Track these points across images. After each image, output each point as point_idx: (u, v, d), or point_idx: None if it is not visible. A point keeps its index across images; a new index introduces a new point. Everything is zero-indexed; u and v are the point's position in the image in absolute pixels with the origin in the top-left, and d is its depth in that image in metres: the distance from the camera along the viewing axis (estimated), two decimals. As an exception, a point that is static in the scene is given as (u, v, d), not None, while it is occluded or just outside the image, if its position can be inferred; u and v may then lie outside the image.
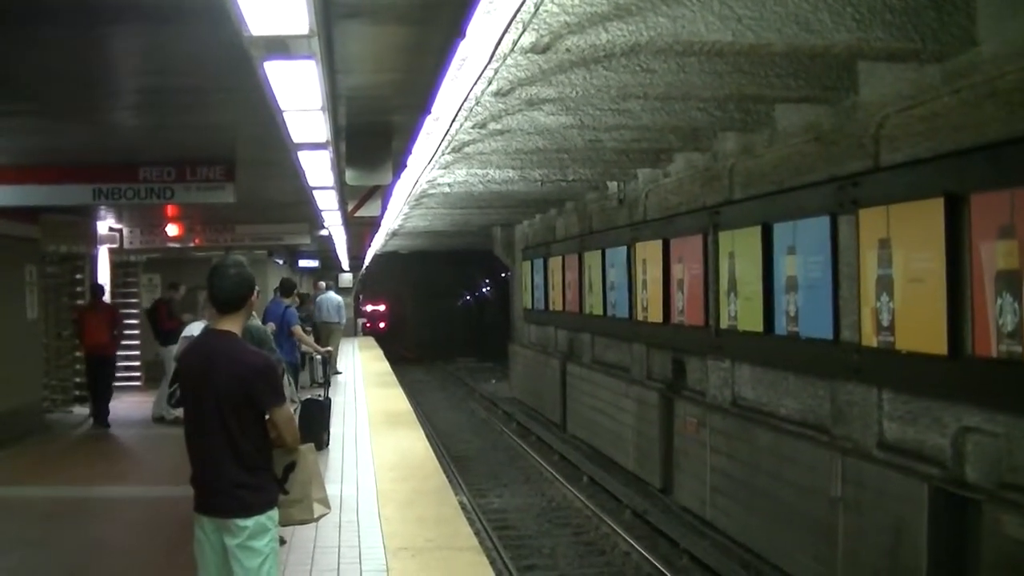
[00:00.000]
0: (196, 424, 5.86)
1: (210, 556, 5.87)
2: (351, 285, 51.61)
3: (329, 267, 45.82)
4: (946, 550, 9.75)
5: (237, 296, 5.91)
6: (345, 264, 44.04)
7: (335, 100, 8.27)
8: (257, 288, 6.21)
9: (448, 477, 14.42)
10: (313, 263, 42.16)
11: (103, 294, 19.87)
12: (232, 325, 5.91)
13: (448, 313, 74.75)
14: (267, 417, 5.83)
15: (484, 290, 72.98)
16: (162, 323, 19.26)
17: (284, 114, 8.10)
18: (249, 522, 5.74)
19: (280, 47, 5.73)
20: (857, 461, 11.25)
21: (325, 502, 6.33)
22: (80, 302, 20.56)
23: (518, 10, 6.64)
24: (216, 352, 5.83)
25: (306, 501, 6.16)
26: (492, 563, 10.28)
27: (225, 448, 5.72)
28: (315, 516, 6.28)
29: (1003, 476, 9.15)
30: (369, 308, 78.75)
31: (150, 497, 12.80)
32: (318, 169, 11.58)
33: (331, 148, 9.89)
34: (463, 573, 9.10)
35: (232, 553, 5.76)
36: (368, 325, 69.62)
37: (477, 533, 12.85)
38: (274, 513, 5.89)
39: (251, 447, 5.78)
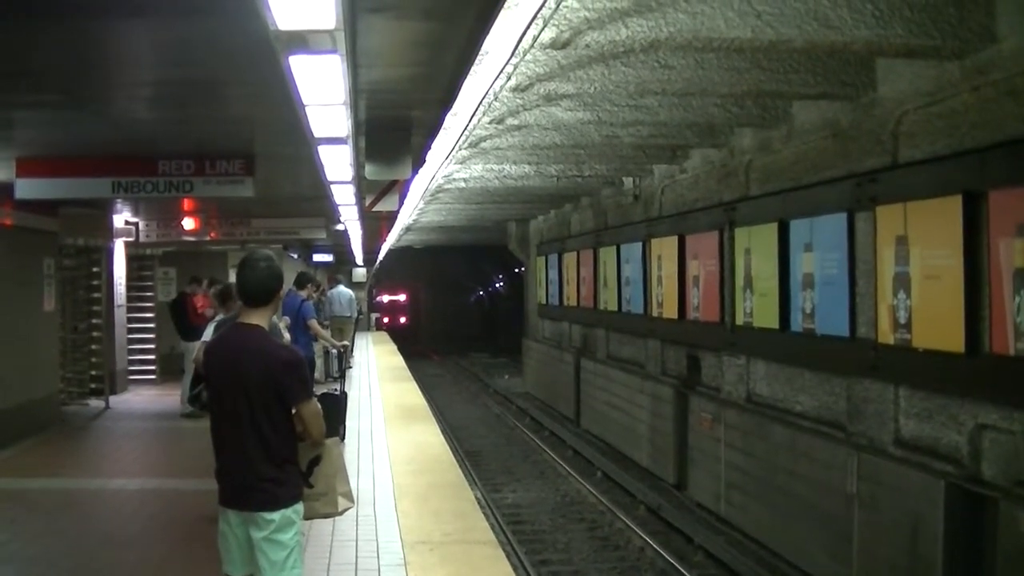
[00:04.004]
0: (224, 418, 5.90)
1: (235, 549, 5.91)
2: (364, 280, 51.55)
3: (343, 261, 45.87)
4: (962, 547, 9.75)
5: (266, 289, 5.94)
6: (359, 259, 44.08)
7: (356, 94, 8.29)
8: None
9: (462, 472, 14.45)
10: (328, 257, 42.22)
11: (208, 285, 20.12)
12: (260, 319, 5.94)
13: (464, 308, 73.36)
14: (293, 411, 5.87)
15: (497, 285, 71.88)
16: (190, 317, 19.25)
17: (306, 108, 8.13)
18: (276, 515, 5.78)
19: (306, 41, 5.75)
20: (873, 458, 11.25)
21: (349, 496, 6.36)
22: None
23: (541, 6, 6.66)
24: (245, 346, 5.86)
25: (331, 495, 6.19)
26: (506, 557, 10.32)
27: (254, 442, 5.76)
28: (339, 510, 6.31)
29: (1020, 473, 9.15)
30: (386, 299, 72.88)
31: (167, 489, 12.84)
32: (337, 164, 11.60)
33: (351, 143, 9.92)
34: (481, 567, 9.12)
35: (258, 546, 5.80)
36: (386, 321, 66.21)
37: (491, 528, 12.89)
38: (299, 507, 5.93)
39: (279, 441, 5.81)
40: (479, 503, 14.04)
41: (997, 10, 9.15)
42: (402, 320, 71.57)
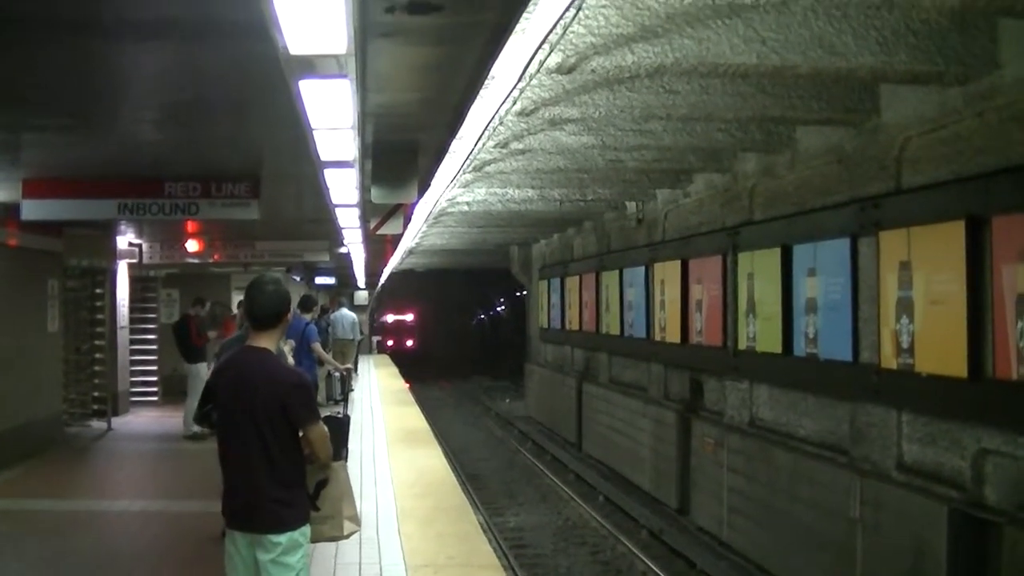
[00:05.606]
0: (231, 440, 5.92)
1: (241, 571, 5.91)
2: (366, 303, 51.52)
3: (345, 284, 45.93)
4: (965, 572, 9.73)
5: (274, 313, 5.98)
6: (361, 282, 44.12)
7: (364, 118, 8.33)
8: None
9: (464, 495, 14.45)
10: (330, 280, 42.28)
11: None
12: (267, 342, 5.97)
13: (468, 331, 71.57)
14: (301, 434, 5.89)
15: (500, 309, 70.98)
16: (193, 339, 19.27)
17: (314, 132, 8.16)
18: (283, 538, 5.80)
19: (317, 66, 5.79)
20: (876, 482, 11.25)
21: (356, 519, 6.37)
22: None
23: (549, 32, 6.71)
24: (252, 369, 5.90)
25: (337, 518, 6.21)
26: (510, 581, 10.35)
27: (261, 464, 5.78)
28: (345, 533, 6.33)
29: (1023, 498, 9.16)
30: (391, 319, 68.53)
31: (170, 511, 12.85)
32: (343, 187, 11.64)
33: (357, 166, 9.96)
34: (484, 591, 9.15)
35: (265, 568, 5.81)
36: (391, 343, 63.13)
37: (494, 551, 12.88)
38: (306, 529, 5.94)
39: (287, 463, 5.84)
40: (481, 527, 14.04)
41: (1000, 37, 9.19)
42: (408, 343, 67.78)
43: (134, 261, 22.70)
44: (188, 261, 23.68)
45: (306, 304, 17.70)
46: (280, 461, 5.80)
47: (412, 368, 47.23)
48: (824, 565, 12.30)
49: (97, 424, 20.27)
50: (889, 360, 11.00)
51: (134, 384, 24.05)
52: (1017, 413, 9.06)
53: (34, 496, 13.76)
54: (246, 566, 5.89)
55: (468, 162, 13.29)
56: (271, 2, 4.66)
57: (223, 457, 5.99)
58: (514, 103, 10.29)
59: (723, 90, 10.87)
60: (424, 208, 18.62)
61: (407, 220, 17.74)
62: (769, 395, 14.54)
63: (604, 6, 8.13)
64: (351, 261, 29.56)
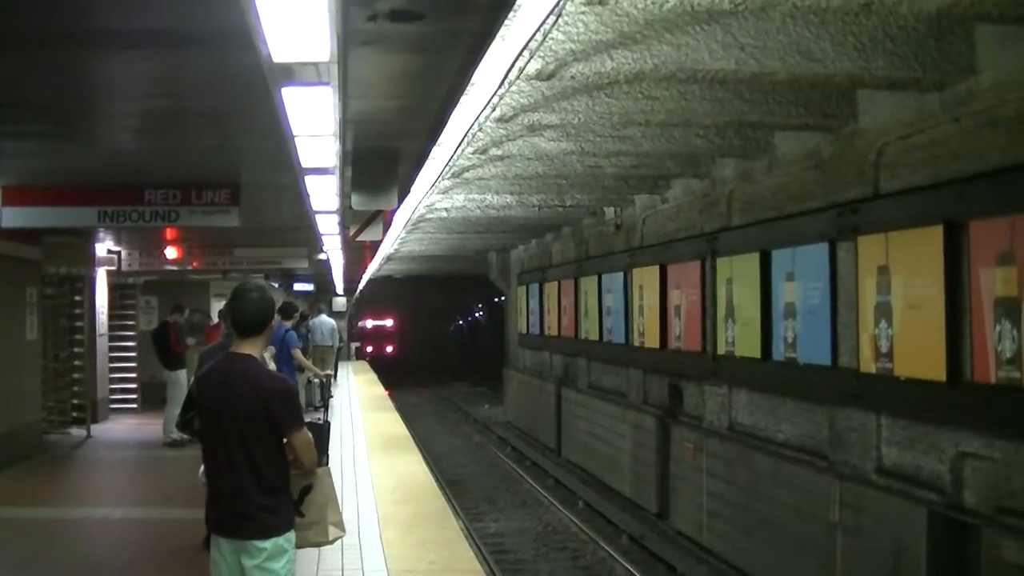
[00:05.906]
0: (216, 447, 5.93)
1: (226, 577, 5.94)
2: (345, 309, 51.44)
3: (324, 291, 45.87)
4: (945, 574, 9.80)
5: (259, 320, 6.00)
6: (340, 288, 44.06)
7: (345, 125, 8.35)
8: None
9: (444, 501, 14.45)
10: (308, 287, 42.22)
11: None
12: (252, 349, 5.99)
13: (447, 337, 71.32)
14: (285, 440, 5.91)
15: (478, 315, 70.83)
16: (172, 346, 19.25)
17: (295, 139, 8.19)
18: (268, 544, 5.81)
19: (299, 73, 5.82)
20: (855, 486, 11.29)
21: (340, 525, 6.40)
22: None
23: (530, 39, 6.74)
24: (236, 375, 5.91)
25: (322, 523, 6.23)
26: (491, 587, 10.36)
27: (246, 470, 5.80)
28: (330, 539, 6.35)
29: (1002, 501, 9.21)
30: (370, 325, 68.31)
31: (150, 518, 12.84)
32: (323, 194, 11.66)
33: (338, 173, 9.98)
34: (466, 596, 9.16)
35: (250, 574, 5.82)
36: (370, 349, 62.94)
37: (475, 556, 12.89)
38: (291, 535, 5.95)
39: (271, 469, 5.86)
40: (462, 532, 14.05)
41: (977, 43, 9.26)
42: (388, 349, 67.94)
43: (113, 268, 22.65)
44: (167, 268, 23.65)
45: (287, 310, 17.67)
46: (265, 467, 5.82)
47: (391, 374, 47.24)
48: (804, 569, 12.33)
49: (77, 432, 20.22)
50: (868, 364, 11.04)
51: (113, 391, 24.01)
52: (995, 416, 9.11)
53: (15, 504, 13.73)
54: (232, 572, 5.89)
55: (447, 168, 13.31)
56: (255, 11, 4.68)
57: (208, 464, 6.01)
58: (494, 109, 10.30)
59: (701, 96, 10.91)
60: (403, 214, 18.64)
61: (386, 226, 17.77)
62: (748, 400, 14.57)
63: (583, 13, 8.15)
64: (330, 268, 29.54)
